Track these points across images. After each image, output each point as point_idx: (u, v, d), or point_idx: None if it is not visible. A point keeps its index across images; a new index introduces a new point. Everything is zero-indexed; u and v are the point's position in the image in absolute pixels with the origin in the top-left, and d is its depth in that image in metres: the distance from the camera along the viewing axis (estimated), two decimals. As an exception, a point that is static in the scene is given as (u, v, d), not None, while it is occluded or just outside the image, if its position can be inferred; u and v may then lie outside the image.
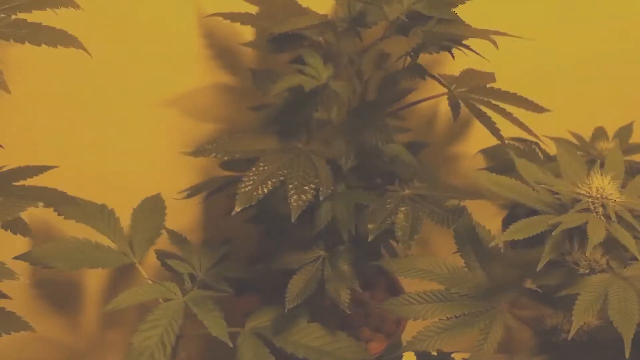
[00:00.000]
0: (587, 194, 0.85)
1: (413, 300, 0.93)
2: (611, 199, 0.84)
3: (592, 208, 0.84)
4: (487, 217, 1.03)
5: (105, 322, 1.21)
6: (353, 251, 1.01)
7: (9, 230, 0.87)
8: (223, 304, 0.97)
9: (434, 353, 0.99)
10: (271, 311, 1.01)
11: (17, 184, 0.89)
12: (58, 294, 1.16)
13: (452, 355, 1.01)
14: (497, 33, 0.90)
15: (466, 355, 0.94)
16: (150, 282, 1.02)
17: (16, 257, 0.98)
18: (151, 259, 1.09)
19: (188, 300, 0.95)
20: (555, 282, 0.89)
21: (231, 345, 0.92)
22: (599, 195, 0.84)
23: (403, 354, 1.00)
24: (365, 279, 1.09)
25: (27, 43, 0.76)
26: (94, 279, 1.17)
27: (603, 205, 0.84)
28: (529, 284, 0.98)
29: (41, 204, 0.83)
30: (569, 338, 0.85)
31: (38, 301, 1.15)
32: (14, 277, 0.75)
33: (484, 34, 0.89)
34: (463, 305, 0.93)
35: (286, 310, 0.95)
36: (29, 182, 0.90)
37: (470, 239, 0.97)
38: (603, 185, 0.85)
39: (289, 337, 0.98)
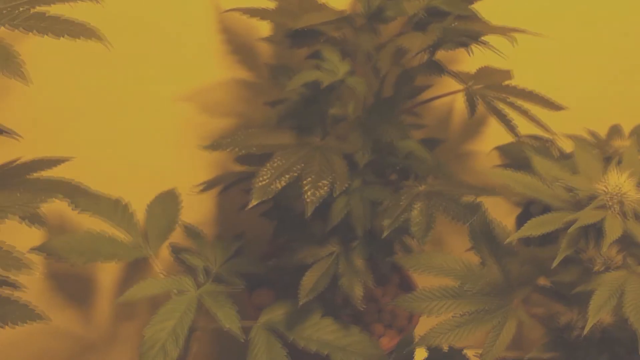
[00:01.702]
0: (604, 191, 0.85)
1: (427, 296, 0.94)
2: (628, 196, 0.84)
3: (609, 205, 0.84)
4: (500, 215, 1.03)
5: (119, 315, 1.21)
6: (367, 247, 1.01)
7: (24, 222, 0.87)
8: (236, 299, 0.97)
9: (446, 349, 1.00)
10: (284, 306, 1.01)
11: (33, 175, 0.89)
12: (72, 287, 1.16)
13: (463, 352, 1.01)
14: (515, 30, 0.91)
15: (478, 351, 0.94)
16: (163, 275, 1.03)
17: (31, 249, 0.99)
18: (165, 253, 1.09)
19: (201, 294, 0.96)
20: (570, 279, 0.89)
21: (243, 338, 0.93)
22: (616, 192, 0.84)
23: (415, 349, 1.00)
24: (378, 275, 1.09)
25: (47, 36, 0.77)
26: (108, 273, 1.17)
27: (620, 202, 0.84)
28: (541, 281, 0.98)
29: (60, 195, 0.84)
30: (584, 335, 0.85)
31: (52, 293, 1.15)
32: (33, 268, 0.75)
33: (502, 31, 0.89)
34: (477, 302, 0.93)
35: (299, 305, 0.95)
36: (45, 174, 0.91)
37: (485, 236, 0.97)
38: (620, 182, 0.85)
39: (301, 332, 0.98)
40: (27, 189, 0.85)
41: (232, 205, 1.10)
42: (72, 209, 1.02)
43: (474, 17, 0.93)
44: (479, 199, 0.97)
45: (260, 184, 0.90)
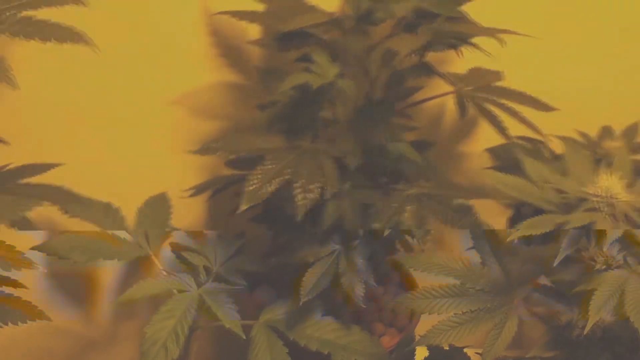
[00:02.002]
0: (595, 193, 0.85)
1: (429, 294, 0.94)
2: (618, 198, 0.84)
3: (599, 207, 0.84)
4: (492, 216, 1.03)
5: (119, 314, 1.21)
6: (368, 246, 1.01)
7: (15, 228, 0.87)
8: (237, 298, 0.97)
9: (446, 348, 1.00)
10: (285, 305, 1.01)
11: (23, 180, 0.89)
12: (72, 286, 1.17)
13: (464, 351, 1.01)
14: (504, 31, 0.90)
15: (478, 351, 0.94)
16: (165, 273, 1.03)
17: (33, 248, 0.98)
18: (166, 252, 1.08)
19: (202, 293, 0.96)
20: (570, 278, 0.90)
21: (244, 337, 0.93)
22: (606, 195, 0.85)
23: (416, 347, 1.01)
24: (379, 274, 1.09)
25: (34, 40, 0.76)
26: (108, 272, 1.17)
27: (610, 205, 0.84)
28: (541, 281, 0.98)
29: (46, 203, 0.84)
30: (584, 334, 0.85)
31: (52, 292, 1.16)
32: (33, 266, 0.75)
33: (491, 32, 0.89)
34: (478, 301, 0.94)
35: (300, 304, 0.95)
36: (35, 179, 0.91)
37: (486, 235, 0.97)
38: (610, 184, 0.85)
39: (302, 330, 0.98)
40: (17, 194, 0.85)
41: (223, 208, 1.10)
42: (63, 214, 1.02)
43: (463, 19, 0.93)
44: (471, 201, 0.97)
45: (250, 188, 0.90)
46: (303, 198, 0.89)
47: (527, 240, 1.01)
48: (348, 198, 0.96)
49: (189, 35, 1.04)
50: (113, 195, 1.06)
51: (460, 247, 1.04)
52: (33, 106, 1.03)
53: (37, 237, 1.01)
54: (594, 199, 0.85)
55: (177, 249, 1.06)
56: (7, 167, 0.91)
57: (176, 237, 1.08)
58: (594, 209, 0.84)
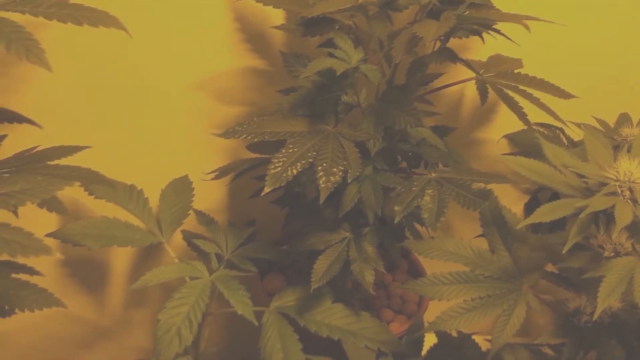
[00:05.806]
0: (615, 178, 0.86)
1: (438, 280, 0.95)
2: (638, 183, 0.85)
3: (619, 191, 0.85)
4: (508, 202, 1.04)
5: (132, 301, 1.22)
6: (378, 233, 1.02)
7: (44, 208, 0.88)
8: (248, 284, 0.98)
9: (455, 334, 1.01)
10: (296, 291, 1.02)
11: (52, 162, 0.90)
12: (85, 273, 1.18)
13: (472, 337, 1.02)
14: (528, 18, 0.90)
15: (486, 337, 0.95)
16: (177, 260, 1.04)
17: (47, 235, 0.99)
18: (178, 239, 1.10)
19: (214, 279, 0.96)
20: (579, 265, 0.90)
21: (257, 323, 0.94)
22: (626, 179, 0.85)
23: (425, 334, 1.02)
24: (388, 261, 1.10)
25: (68, 23, 0.77)
26: (121, 259, 1.18)
27: (630, 189, 0.85)
28: (549, 268, 0.99)
29: (77, 183, 0.84)
30: (593, 320, 0.86)
31: (67, 280, 1.17)
32: (50, 252, 0.76)
33: (515, 19, 0.89)
34: (487, 287, 0.94)
35: (311, 291, 0.96)
36: (63, 161, 0.92)
37: (495, 222, 0.98)
38: (631, 169, 0.86)
39: (313, 317, 0.99)
40: (46, 174, 0.85)
41: (244, 192, 1.11)
42: (89, 195, 1.03)
43: (487, 5, 0.94)
44: (488, 186, 0.98)
45: (274, 170, 0.90)
46: (326, 181, 0.90)
47: (535, 227, 1.02)
48: (369, 181, 0.97)
49: (213, 21, 1.05)
50: (136, 178, 1.08)
51: (467, 235, 1.05)
52: (60, 92, 1.04)
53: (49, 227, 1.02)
54: (615, 183, 0.85)
55: (189, 236, 1.08)
56: (36, 149, 0.93)
57: (188, 225, 1.09)
58: (614, 193, 0.85)
